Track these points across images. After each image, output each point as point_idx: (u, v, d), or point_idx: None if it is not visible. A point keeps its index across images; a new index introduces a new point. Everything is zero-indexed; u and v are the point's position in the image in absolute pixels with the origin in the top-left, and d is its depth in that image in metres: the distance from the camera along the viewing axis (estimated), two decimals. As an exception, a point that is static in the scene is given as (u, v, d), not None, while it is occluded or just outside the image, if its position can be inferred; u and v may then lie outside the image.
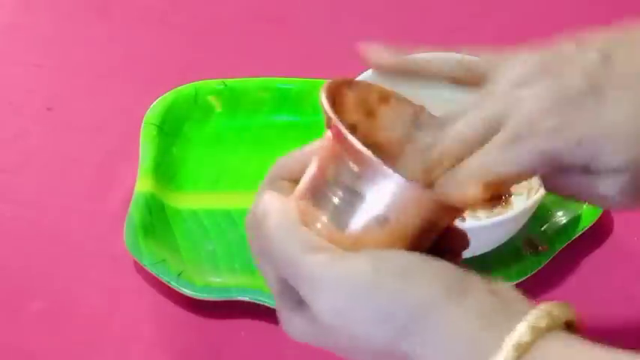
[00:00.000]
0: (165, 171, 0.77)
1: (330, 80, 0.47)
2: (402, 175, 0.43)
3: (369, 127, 0.48)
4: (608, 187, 0.45)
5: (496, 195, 0.45)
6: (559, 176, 0.46)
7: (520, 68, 0.46)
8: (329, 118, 0.44)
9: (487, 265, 0.70)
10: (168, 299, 0.70)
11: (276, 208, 0.45)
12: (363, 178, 0.43)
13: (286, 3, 0.93)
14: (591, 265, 0.73)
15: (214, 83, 0.82)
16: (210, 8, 0.92)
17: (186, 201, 0.76)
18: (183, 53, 0.88)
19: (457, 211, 0.46)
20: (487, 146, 0.44)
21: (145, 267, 0.70)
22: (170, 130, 0.79)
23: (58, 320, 0.69)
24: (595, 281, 0.72)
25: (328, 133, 0.45)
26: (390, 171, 0.43)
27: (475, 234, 0.68)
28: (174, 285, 0.69)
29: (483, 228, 0.67)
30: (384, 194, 0.43)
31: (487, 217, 0.68)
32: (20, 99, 0.84)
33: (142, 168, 0.75)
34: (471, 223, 0.69)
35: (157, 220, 0.73)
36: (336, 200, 0.45)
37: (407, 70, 0.51)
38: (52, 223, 0.75)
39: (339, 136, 0.44)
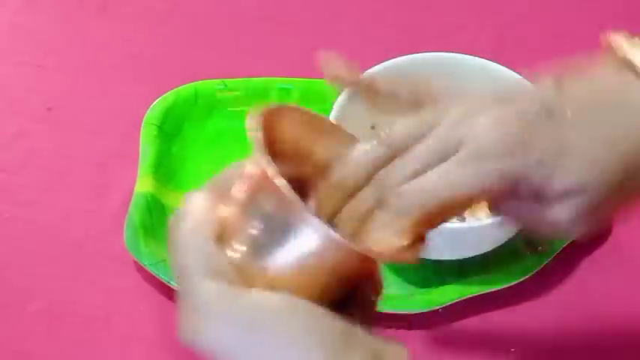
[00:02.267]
0: (166, 171, 0.77)
1: (264, 107, 0.46)
2: (323, 223, 0.41)
3: (299, 156, 0.47)
4: (560, 212, 0.45)
5: (418, 238, 0.45)
6: (510, 201, 0.46)
7: (473, 100, 0.46)
8: (256, 147, 0.43)
9: (487, 265, 0.70)
10: (168, 299, 0.70)
11: (197, 211, 0.44)
12: (285, 219, 0.42)
13: (286, 3, 0.92)
14: (591, 265, 0.73)
15: (214, 83, 0.82)
16: (210, 8, 0.92)
17: (186, 201, 0.75)
18: (183, 53, 0.88)
19: (375, 262, 0.45)
20: (443, 165, 0.45)
21: (145, 267, 0.70)
22: (170, 130, 0.79)
23: (57, 320, 0.69)
24: (595, 281, 0.71)
25: (258, 160, 0.43)
26: (313, 219, 0.41)
27: (475, 234, 0.69)
28: (174, 285, 0.69)
29: (483, 228, 0.67)
30: (303, 239, 0.42)
31: (487, 217, 0.68)
32: (20, 99, 0.84)
33: (142, 168, 0.75)
34: (471, 223, 0.69)
35: (157, 220, 0.73)
36: (254, 231, 0.43)
37: (359, 86, 0.52)
38: (51, 223, 0.75)
39: (263, 171, 0.42)
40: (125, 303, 0.70)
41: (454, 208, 0.46)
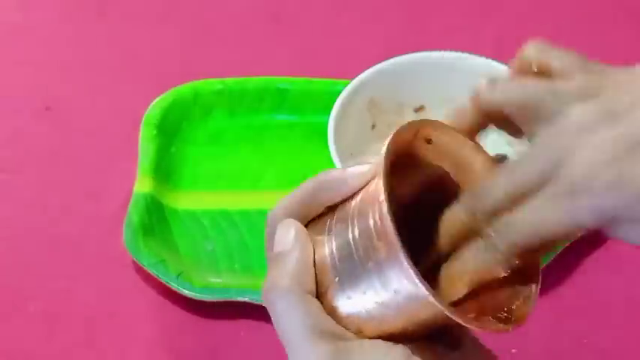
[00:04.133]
0: (165, 171, 0.76)
1: (405, 125, 0.43)
2: (428, 290, 0.40)
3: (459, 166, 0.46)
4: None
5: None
6: (616, 226, 0.43)
7: (582, 109, 0.42)
8: (380, 173, 0.41)
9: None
10: (168, 299, 0.70)
11: (291, 260, 0.43)
12: (390, 276, 0.41)
13: (286, 3, 0.92)
14: (591, 265, 0.73)
15: (214, 83, 0.82)
16: (209, 8, 0.92)
17: (185, 201, 0.75)
18: (183, 53, 0.88)
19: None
20: (534, 203, 0.42)
21: (145, 267, 0.70)
22: (169, 130, 0.79)
23: (57, 320, 0.69)
24: (595, 281, 0.71)
25: (377, 196, 0.41)
26: (420, 287, 0.40)
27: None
28: (173, 285, 0.69)
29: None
30: (405, 299, 0.41)
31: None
32: (19, 99, 0.84)
33: (141, 168, 0.75)
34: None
35: (156, 220, 0.73)
36: (349, 283, 0.43)
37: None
38: (51, 223, 0.75)
39: (382, 223, 0.41)
40: (125, 303, 0.70)
41: (548, 245, 0.43)
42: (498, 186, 0.43)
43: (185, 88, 0.81)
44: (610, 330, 0.69)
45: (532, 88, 0.44)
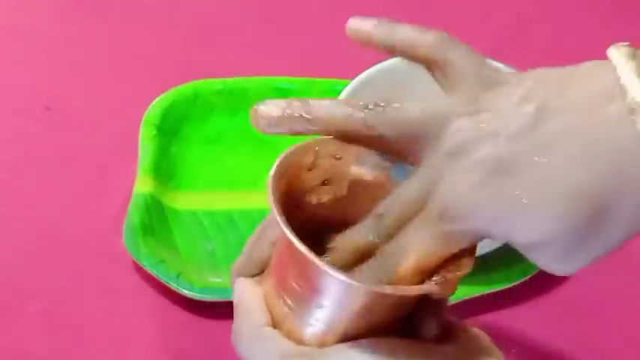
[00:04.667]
0: (165, 171, 0.77)
1: (282, 157, 0.48)
2: (348, 277, 0.43)
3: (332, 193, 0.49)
4: (536, 258, 0.44)
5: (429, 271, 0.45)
6: (525, 252, 0.45)
7: (453, 131, 0.44)
8: (274, 212, 0.45)
9: (487, 265, 0.70)
10: (168, 300, 0.70)
11: (247, 302, 0.48)
12: (311, 277, 0.44)
13: (286, 3, 0.93)
14: (591, 265, 0.72)
15: (214, 83, 0.82)
16: (210, 8, 0.92)
17: (185, 201, 0.75)
18: (183, 53, 0.88)
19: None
20: (411, 225, 0.44)
21: (144, 267, 0.70)
22: (169, 130, 0.79)
23: (56, 320, 0.69)
24: (595, 281, 0.71)
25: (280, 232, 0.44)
26: (339, 276, 0.42)
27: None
28: (173, 285, 0.69)
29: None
30: (336, 295, 0.44)
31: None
32: (19, 99, 0.84)
33: (141, 168, 0.75)
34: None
35: (156, 220, 0.73)
36: (300, 301, 0.46)
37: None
38: (51, 223, 0.75)
39: (290, 247, 0.44)
40: (125, 303, 0.70)
41: (429, 265, 0.45)
42: (388, 211, 0.45)
43: (185, 88, 0.81)
44: (609, 330, 0.69)
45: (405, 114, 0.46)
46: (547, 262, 0.44)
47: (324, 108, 0.47)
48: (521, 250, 0.44)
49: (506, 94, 0.44)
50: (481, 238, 0.44)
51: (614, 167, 0.41)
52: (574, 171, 0.41)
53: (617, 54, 0.42)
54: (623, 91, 0.41)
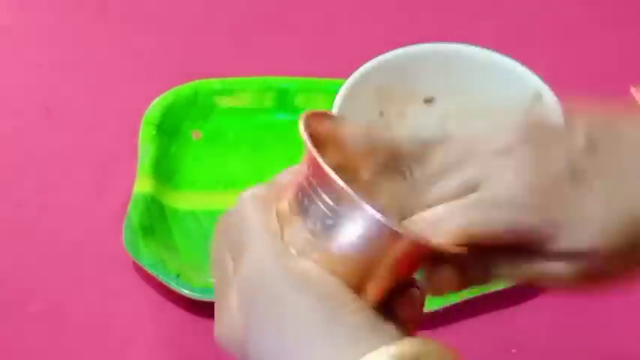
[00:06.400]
0: (164, 171, 0.77)
1: (309, 111, 0.47)
2: (380, 213, 0.43)
3: (344, 160, 0.48)
4: (563, 268, 0.45)
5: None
6: (515, 259, 0.45)
7: (505, 135, 0.45)
8: (308, 150, 0.45)
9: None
10: (168, 300, 0.70)
11: (255, 200, 0.46)
12: (341, 213, 0.44)
13: (286, 3, 0.92)
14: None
15: (214, 83, 0.82)
16: (209, 8, 0.92)
17: (185, 201, 0.75)
18: (183, 53, 0.88)
19: (425, 259, 0.46)
20: (461, 203, 0.44)
21: (144, 267, 0.70)
22: (169, 130, 0.79)
23: (57, 321, 0.69)
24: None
25: (307, 162, 0.45)
26: (371, 210, 0.42)
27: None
28: (173, 285, 0.69)
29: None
30: (360, 228, 0.43)
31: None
32: (19, 99, 0.84)
33: (141, 168, 0.75)
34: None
35: (156, 220, 0.73)
36: (310, 221, 0.45)
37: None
38: (51, 223, 0.75)
39: (318, 170, 0.44)
40: (124, 303, 0.70)
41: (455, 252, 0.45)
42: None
43: (185, 88, 0.81)
44: (610, 330, 0.69)
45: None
46: (567, 273, 0.45)
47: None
48: (544, 258, 0.45)
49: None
50: (519, 237, 0.44)
51: None
52: (633, 192, 0.44)
53: None
54: None
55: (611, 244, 0.44)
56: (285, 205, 0.46)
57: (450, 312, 0.68)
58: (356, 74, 0.73)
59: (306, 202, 0.45)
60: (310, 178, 0.45)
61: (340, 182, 0.43)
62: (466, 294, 0.68)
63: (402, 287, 0.46)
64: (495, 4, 0.92)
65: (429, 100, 0.77)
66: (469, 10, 0.92)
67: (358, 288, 0.44)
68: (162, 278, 0.69)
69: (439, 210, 0.45)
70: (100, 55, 0.87)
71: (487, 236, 0.44)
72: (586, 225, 0.43)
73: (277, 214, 0.46)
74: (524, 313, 0.70)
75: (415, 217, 0.45)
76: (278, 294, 0.43)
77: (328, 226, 0.44)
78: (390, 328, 0.43)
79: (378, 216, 0.42)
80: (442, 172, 0.46)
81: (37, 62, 0.87)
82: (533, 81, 0.73)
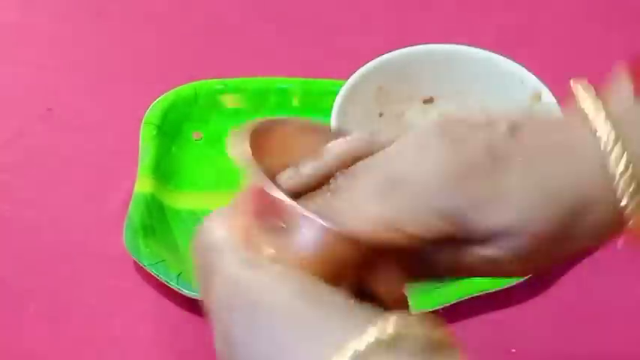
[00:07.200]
0: (165, 171, 0.77)
1: (248, 125, 0.48)
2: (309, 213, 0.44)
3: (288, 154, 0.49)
4: (496, 251, 0.44)
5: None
6: (446, 249, 0.45)
7: (423, 134, 0.46)
8: (247, 166, 0.46)
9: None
10: (168, 299, 0.70)
11: (222, 220, 0.48)
12: (287, 219, 0.45)
13: (286, 3, 0.92)
14: (591, 265, 0.72)
15: (214, 83, 0.82)
16: (210, 8, 0.92)
17: (185, 201, 0.76)
18: (183, 53, 0.88)
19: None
20: (381, 195, 0.44)
21: (145, 267, 0.70)
22: (169, 130, 0.79)
23: (57, 320, 0.69)
24: (595, 281, 0.71)
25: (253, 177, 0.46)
26: (300, 209, 0.44)
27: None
28: (173, 285, 0.69)
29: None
30: (305, 231, 0.44)
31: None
32: (20, 99, 0.84)
33: (142, 168, 0.75)
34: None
35: (157, 220, 0.73)
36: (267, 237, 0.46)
37: None
38: (51, 223, 0.75)
39: (256, 181, 0.46)
40: (125, 303, 0.70)
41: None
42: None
43: (185, 88, 0.81)
44: (610, 330, 0.69)
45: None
46: (502, 252, 0.44)
47: None
48: (470, 245, 0.45)
49: None
50: (451, 226, 0.44)
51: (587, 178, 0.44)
52: (554, 170, 0.44)
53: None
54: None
55: (535, 223, 0.44)
56: (247, 218, 0.47)
57: (451, 312, 0.68)
58: (356, 75, 0.73)
59: (263, 212, 0.46)
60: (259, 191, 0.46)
61: (273, 192, 0.44)
62: (466, 294, 0.68)
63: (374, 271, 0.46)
64: (495, 4, 0.92)
65: (428, 101, 0.77)
66: (469, 10, 0.92)
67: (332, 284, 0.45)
68: (162, 278, 0.69)
69: (360, 202, 0.45)
70: (100, 55, 0.87)
71: (411, 225, 0.44)
72: (504, 200, 0.43)
73: (242, 229, 0.47)
74: (524, 313, 0.70)
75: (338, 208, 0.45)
76: (254, 299, 0.43)
77: (285, 232, 0.45)
78: (370, 307, 0.43)
79: (308, 214, 0.43)
80: (362, 172, 0.46)
81: (38, 63, 0.87)
82: (532, 82, 0.73)
